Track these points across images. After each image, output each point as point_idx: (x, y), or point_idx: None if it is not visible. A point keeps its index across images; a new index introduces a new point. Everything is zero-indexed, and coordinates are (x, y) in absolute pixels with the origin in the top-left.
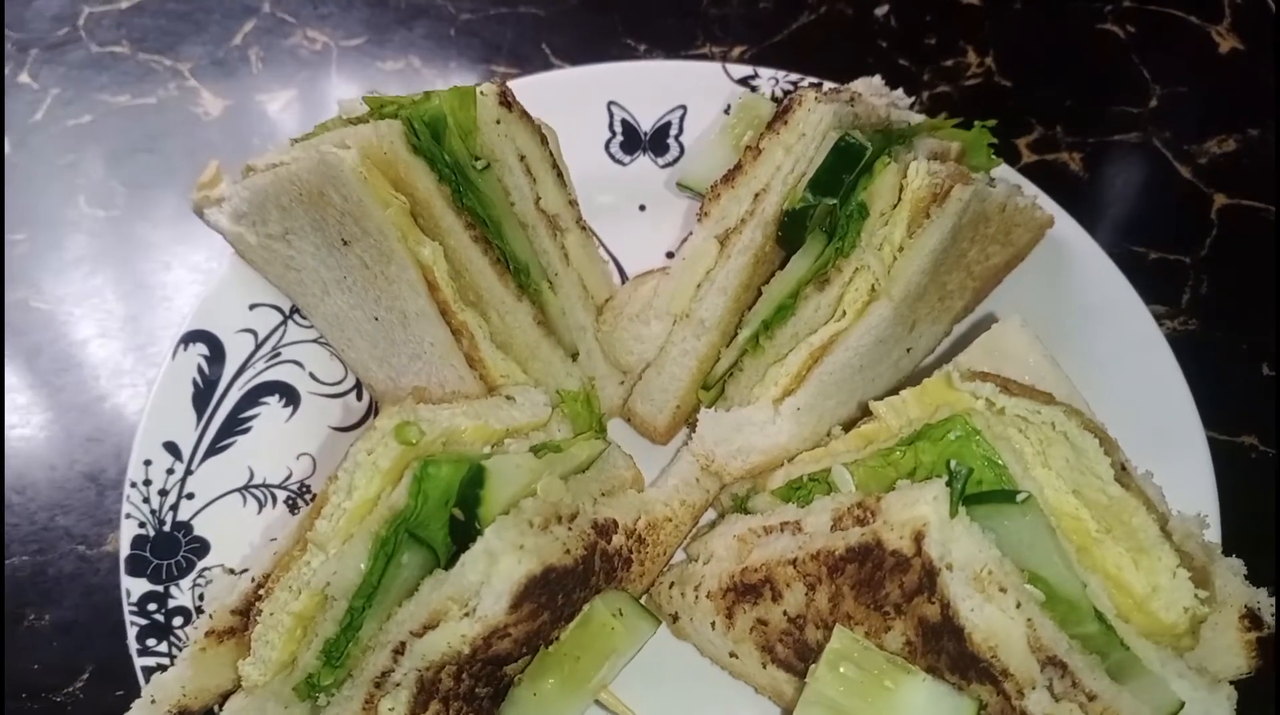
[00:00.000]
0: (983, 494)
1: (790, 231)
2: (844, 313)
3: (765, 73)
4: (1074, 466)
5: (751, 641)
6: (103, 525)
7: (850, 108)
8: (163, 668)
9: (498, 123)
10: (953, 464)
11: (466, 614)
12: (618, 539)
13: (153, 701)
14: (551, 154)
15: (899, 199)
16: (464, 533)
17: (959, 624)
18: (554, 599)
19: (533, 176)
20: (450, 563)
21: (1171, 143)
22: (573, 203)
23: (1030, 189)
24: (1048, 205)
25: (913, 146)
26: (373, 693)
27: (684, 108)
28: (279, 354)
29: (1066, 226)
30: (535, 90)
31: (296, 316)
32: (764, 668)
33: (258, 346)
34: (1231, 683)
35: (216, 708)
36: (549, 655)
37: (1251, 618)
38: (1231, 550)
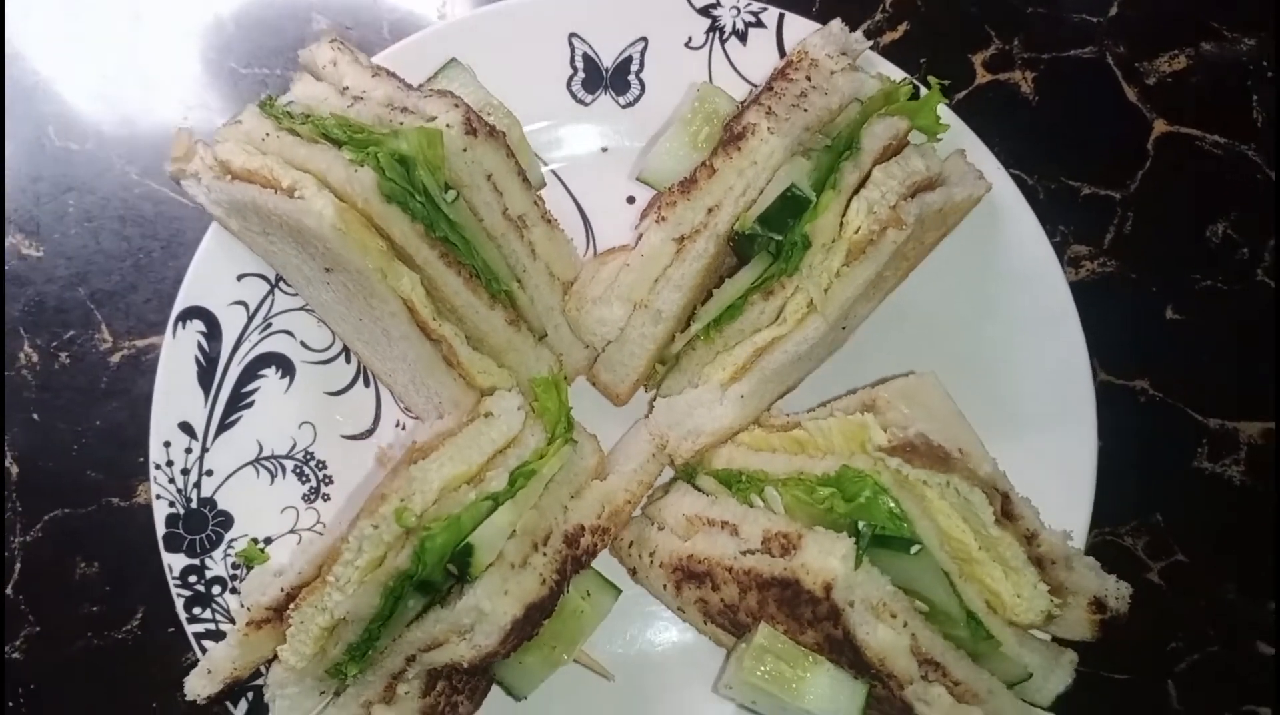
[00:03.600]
0: (885, 537)
1: (740, 247)
2: (784, 320)
3: (727, 1)
4: (963, 508)
5: (695, 608)
6: (129, 478)
7: (803, 129)
8: (210, 634)
9: (464, 151)
10: (860, 525)
11: (464, 638)
12: (586, 540)
13: (209, 672)
14: (515, 160)
15: (839, 234)
16: (460, 580)
17: (856, 643)
18: (535, 617)
19: (499, 190)
20: (448, 597)
21: (1125, 59)
22: (538, 200)
23: (975, 146)
24: (988, 163)
25: (860, 150)
26: (390, 680)
27: (645, 40)
28: (270, 325)
29: (1003, 186)
30: (495, 22)
31: (282, 284)
32: (704, 624)
33: (250, 318)
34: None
35: (263, 669)
36: (532, 644)
37: (1098, 604)
38: (1105, 489)
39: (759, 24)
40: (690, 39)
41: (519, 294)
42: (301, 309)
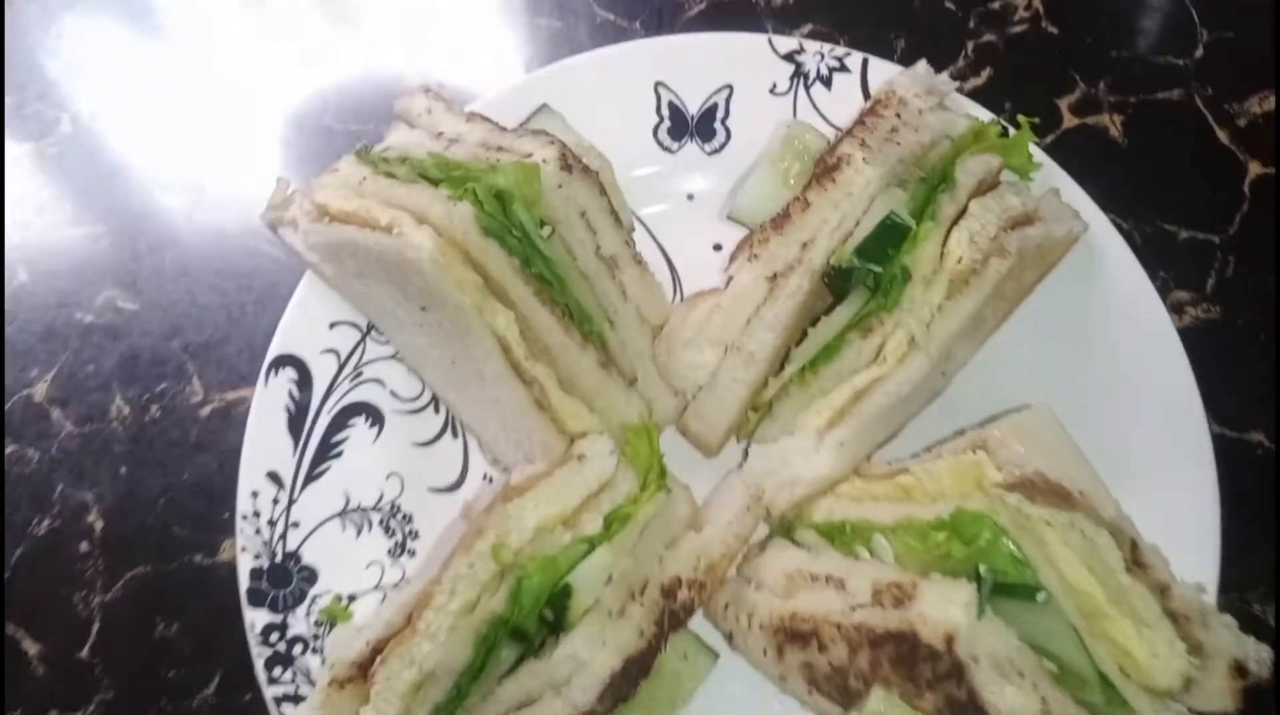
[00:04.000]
0: (1008, 586)
1: (836, 283)
2: (884, 358)
3: (811, 47)
4: (1089, 553)
5: (799, 675)
6: (215, 534)
7: (897, 161)
8: (289, 698)
9: (559, 187)
10: (982, 570)
11: (559, 694)
12: (682, 594)
13: None
14: (608, 199)
15: (940, 266)
16: (557, 626)
17: (982, 704)
18: (633, 673)
19: (592, 228)
20: (542, 647)
21: (1214, 101)
22: (628, 241)
23: (1069, 186)
24: (1084, 204)
25: (954, 183)
26: None
27: (730, 88)
28: (361, 373)
29: (1100, 227)
30: (583, 70)
31: (374, 333)
32: (809, 694)
33: (340, 367)
34: None
35: None
36: (626, 707)
37: (1239, 669)
38: (1232, 548)
39: (843, 69)
40: (775, 85)
41: (610, 336)
42: (392, 358)
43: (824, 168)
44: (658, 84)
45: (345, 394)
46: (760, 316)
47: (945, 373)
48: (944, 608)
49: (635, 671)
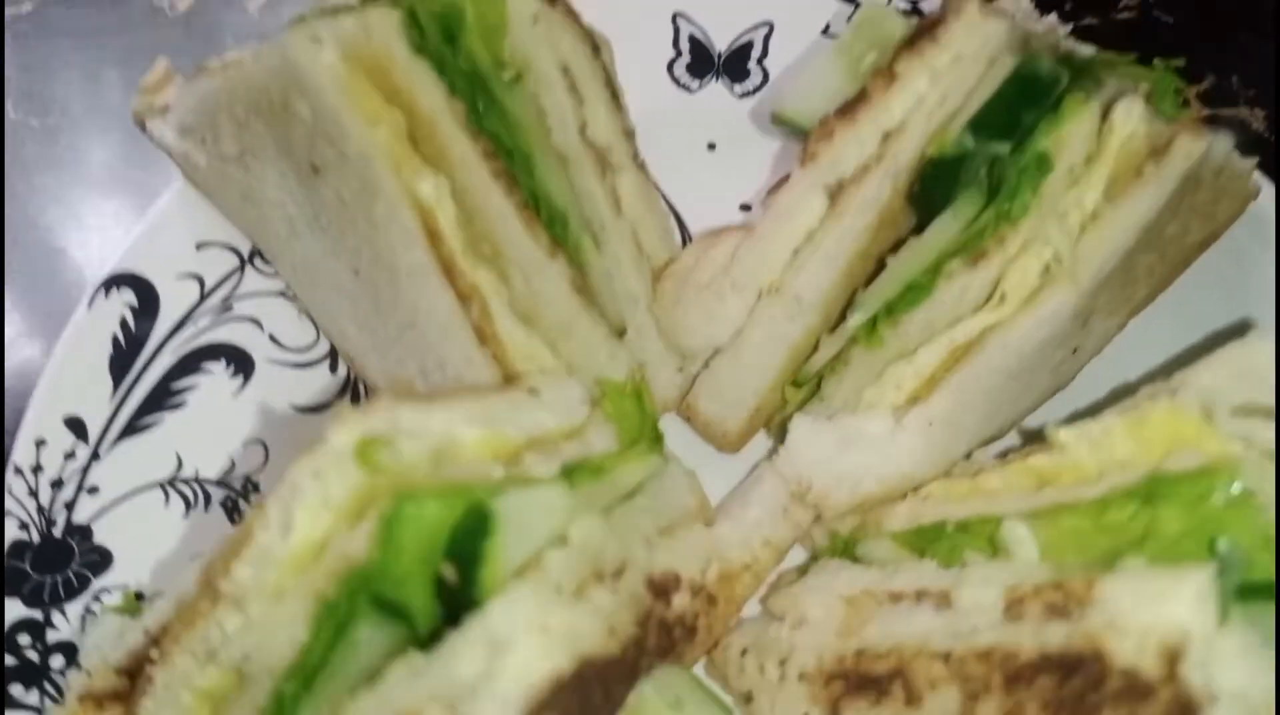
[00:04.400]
0: (1254, 586)
1: (933, 186)
2: (1003, 298)
3: None
4: None
5: None
6: None
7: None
8: None
9: (535, 21)
10: (1222, 545)
11: None
12: (680, 600)
13: None
14: (605, 68)
15: (1097, 151)
16: (457, 599)
17: None
18: (588, 703)
19: (579, 95)
20: (433, 641)
21: None
22: (629, 134)
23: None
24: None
25: (1102, 84)
26: None
27: (770, 25)
28: (230, 308)
29: (1268, 200)
30: None
31: (257, 261)
32: None
33: (203, 297)
34: None
35: None
36: None
37: None
38: None
39: (915, 12)
40: (828, 26)
41: (592, 256)
42: (279, 294)
43: (921, 27)
44: (676, 14)
45: (203, 332)
46: (815, 245)
47: (1077, 350)
48: (1157, 607)
49: (593, 701)
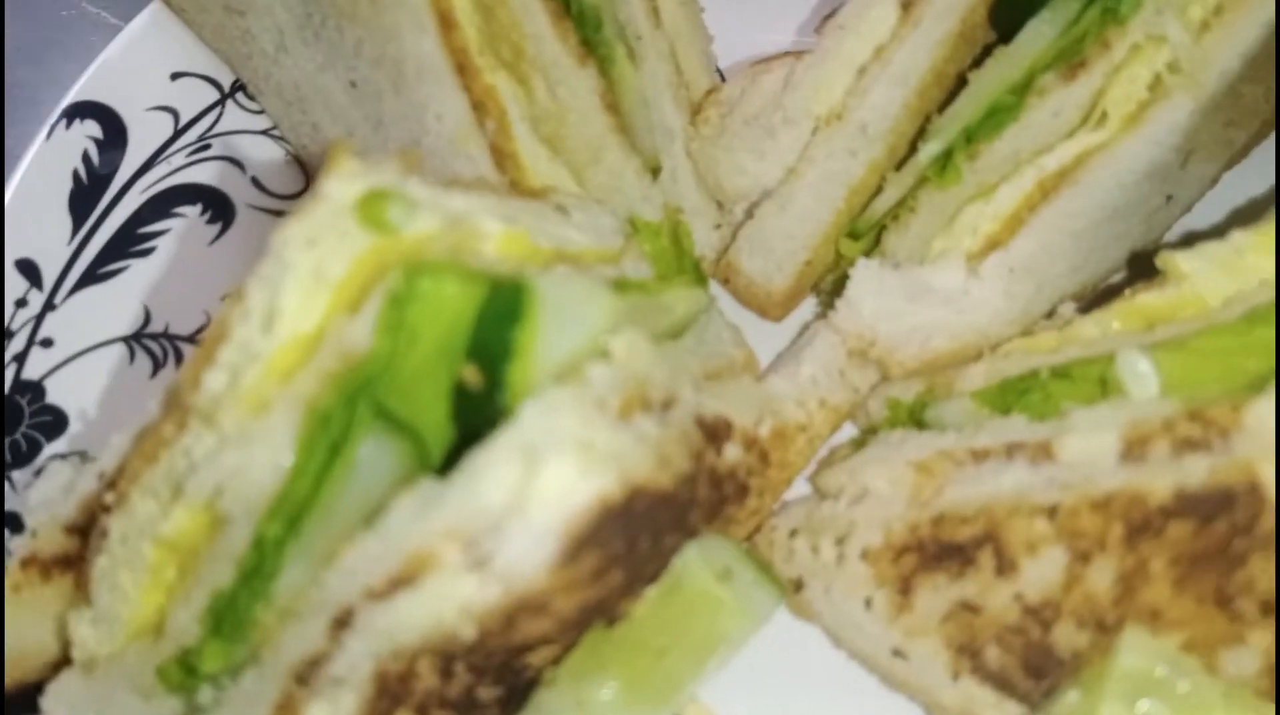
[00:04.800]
0: None
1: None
2: (1104, 117)
3: None
4: None
5: (940, 636)
6: None
7: None
8: None
9: None
10: None
11: (476, 565)
12: (732, 451)
13: None
14: None
15: None
16: (480, 411)
17: None
18: (634, 547)
19: None
20: (450, 466)
21: None
22: None
23: None
24: None
25: None
26: (293, 692)
27: None
28: (208, 146)
29: None
30: None
31: (240, 95)
32: (954, 680)
33: (178, 132)
34: None
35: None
36: (610, 641)
37: None
38: None
39: None
40: None
41: (627, 75)
42: (264, 133)
43: None
44: None
45: (177, 170)
46: (884, 62)
47: (1171, 198)
48: None
49: (638, 549)
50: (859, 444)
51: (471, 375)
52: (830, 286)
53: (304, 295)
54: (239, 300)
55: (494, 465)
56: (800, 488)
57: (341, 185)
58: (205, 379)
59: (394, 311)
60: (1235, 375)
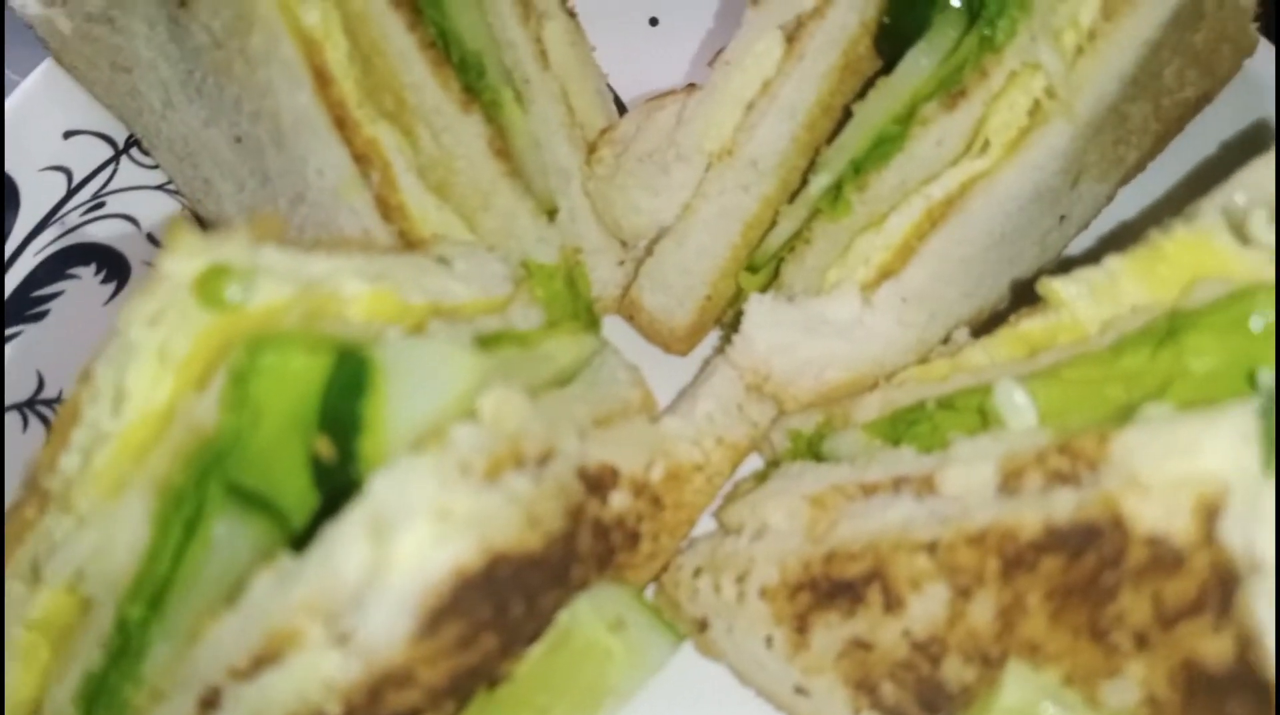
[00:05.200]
0: None
1: (905, 13)
2: (986, 145)
3: None
4: None
5: (837, 673)
6: None
7: None
8: None
9: None
10: (1264, 377)
11: (339, 640)
12: (619, 498)
13: None
14: None
15: None
16: (338, 482)
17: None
18: (505, 611)
19: None
20: (308, 540)
21: None
22: None
23: None
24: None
25: None
26: None
27: None
28: (103, 204)
29: (1266, 61)
30: None
31: (135, 151)
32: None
33: (71, 192)
34: None
35: None
36: (493, 703)
37: None
38: None
39: None
40: None
41: (515, 120)
42: (159, 188)
43: None
44: None
45: (70, 231)
46: (771, 96)
47: (1064, 218)
48: (1187, 455)
49: (511, 612)
50: (762, 477)
51: (324, 447)
52: (731, 320)
53: (150, 374)
54: (87, 381)
55: (344, 540)
56: (709, 523)
57: (180, 263)
58: (60, 461)
59: (237, 387)
60: (1104, 405)
